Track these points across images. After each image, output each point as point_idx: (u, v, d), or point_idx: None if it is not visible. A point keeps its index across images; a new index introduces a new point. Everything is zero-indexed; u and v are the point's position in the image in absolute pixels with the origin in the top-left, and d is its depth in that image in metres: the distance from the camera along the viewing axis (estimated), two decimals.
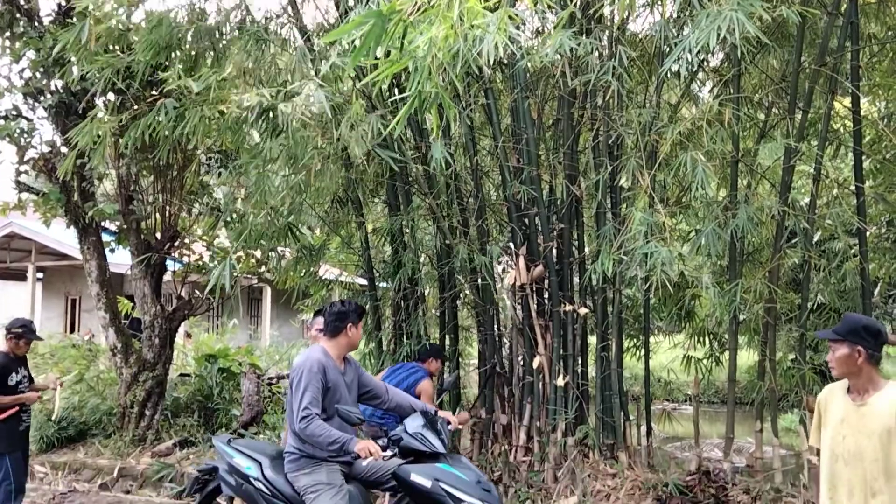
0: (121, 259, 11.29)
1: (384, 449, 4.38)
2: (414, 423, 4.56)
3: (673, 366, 8.54)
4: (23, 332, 6.48)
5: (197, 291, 10.36)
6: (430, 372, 6.86)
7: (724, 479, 6.69)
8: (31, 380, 6.64)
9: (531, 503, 6.76)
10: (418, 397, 6.86)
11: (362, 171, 7.91)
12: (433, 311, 8.54)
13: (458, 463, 4.44)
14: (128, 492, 8.11)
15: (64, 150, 8.97)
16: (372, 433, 6.71)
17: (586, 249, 7.76)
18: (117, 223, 9.73)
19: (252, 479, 4.65)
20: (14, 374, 6.38)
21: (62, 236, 17.76)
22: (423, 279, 8.20)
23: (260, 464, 4.70)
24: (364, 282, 9.21)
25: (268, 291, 21.97)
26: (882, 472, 3.53)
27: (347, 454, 4.43)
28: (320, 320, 5.54)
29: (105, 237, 9.94)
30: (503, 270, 8.26)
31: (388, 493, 5.10)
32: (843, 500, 3.64)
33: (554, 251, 7.51)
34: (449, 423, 4.69)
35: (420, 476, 4.29)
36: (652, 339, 8.44)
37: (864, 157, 7.31)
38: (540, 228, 7.45)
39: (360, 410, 4.59)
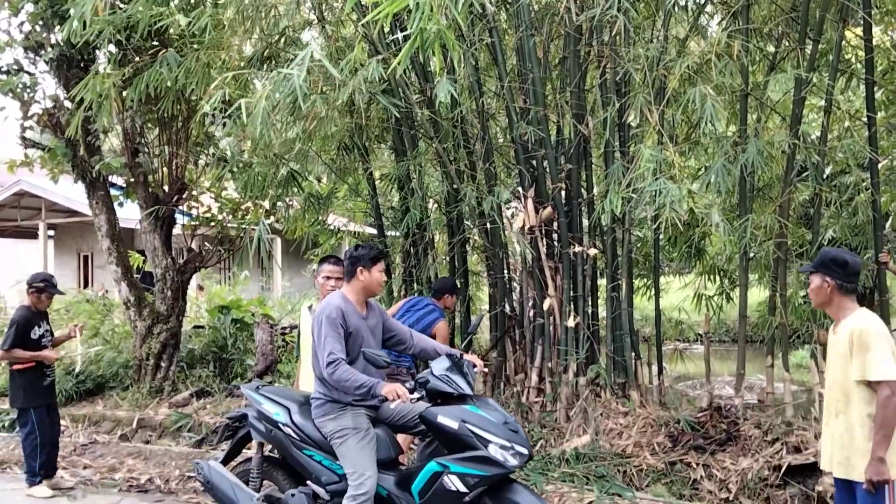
0: (130, 214, 11.30)
1: (411, 392, 4.32)
2: (440, 366, 4.49)
3: (684, 305, 8.56)
4: (45, 286, 6.58)
5: (207, 244, 10.39)
6: (445, 308, 6.92)
7: (736, 414, 6.72)
8: (52, 334, 6.75)
9: (544, 443, 6.82)
10: (434, 338, 6.93)
11: (367, 117, 7.83)
12: (443, 257, 8.54)
13: (485, 405, 4.36)
14: (147, 442, 8.24)
15: (67, 104, 8.91)
16: (389, 372, 6.80)
17: (595, 190, 7.70)
18: (125, 177, 9.72)
19: (281, 425, 4.64)
20: (37, 327, 6.50)
21: (71, 193, 17.79)
22: (431, 224, 8.18)
23: (288, 410, 4.69)
24: (373, 230, 9.21)
25: (278, 243, 22.04)
26: (842, 394, 3.85)
27: (374, 398, 4.40)
28: (326, 267, 5.56)
29: (113, 192, 9.94)
30: (512, 215, 8.23)
31: (417, 437, 5.15)
32: (828, 423, 4.01)
33: (562, 192, 7.46)
34: (475, 365, 4.63)
35: (447, 418, 4.21)
36: (662, 280, 8.45)
37: (875, 88, 7.19)
38: (548, 170, 7.39)
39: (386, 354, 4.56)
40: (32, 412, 6.42)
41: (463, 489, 4.08)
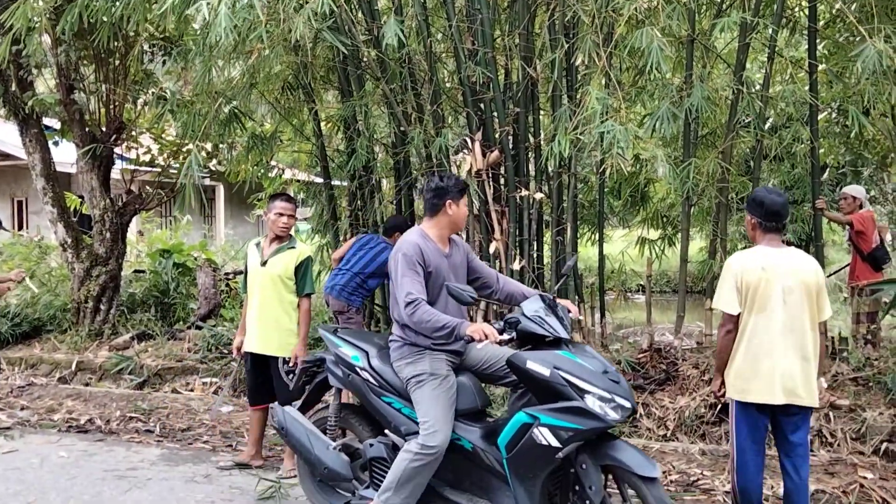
0: (67, 158, 10.95)
1: (500, 332, 3.87)
2: (532, 306, 4.01)
3: (627, 251, 8.68)
4: None
5: (148, 188, 10.14)
6: None
7: (675, 355, 6.89)
8: None
9: None
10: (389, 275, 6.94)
11: (313, 56, 7.66)
12: (389, 200, 8.48)
13: (582, 351, 3.89)
14: (87, 384, 8.11)
15: None
16: (338, 310, 6.79)
17: (542, 134, 7.70)
18: (59, 117, 9.38)
19: (359, 370, 4.32)
20: None
21: (3, 135, 17.13)
22: (378, 167, 8.10)
23: (367, 353, 4.36)
24: (319, 180, 9.09)
25: (221, 190, 21.65)
26: None
27: (458, 340, 3.98)
28: (278, 204, 5.44)
29: (48, 134, 9.59)
30: (458, 164, 8.18)
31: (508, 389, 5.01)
32: None
33: (510, 136, 7.45)
34: (569, 310, 4.15)
35: (537, 363, 3.74)
36: (606, 231, 8.52)
37: (818, 39, 7.29)
38: (496, 113, 7.35)
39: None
40: None
41: (555, 443, 3.65)
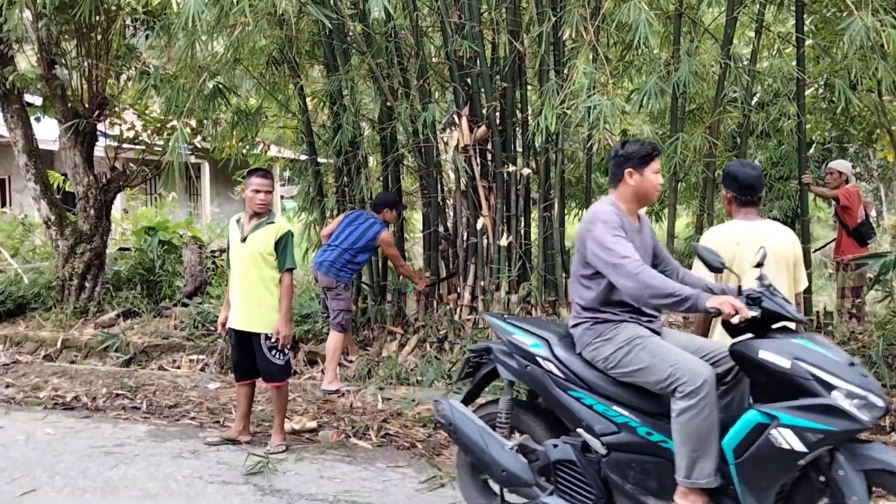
0: (49, 135, 10.83)
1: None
2: (759, 285, 3.48)
3: None
4: None
5: (132, 165, 10.04)
6: (385, 222, 6.95)
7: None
8: None
9: None
10: (377, 248, 6.94)
11: (297, 30, 7.57)
12: (376, 178, 8.44)
13: (817, 340, 3.36)
14: (72, 362, 8.05)
15: None
16: (326, 286, 6.79)
17: (529, 109, 7.66)
18: (41, 92, 9.26)
19: (540, 360, 3.75)
20: None
21: None
22: (364, 143, 8.04)
23: (548, 341, 3.79)
24: (305, 157, 9.02)
25: (206, 168, 21.49)
26: None
27: (696, 311, 3.38)
28: (255, 180, 5.36)
29: (30, 110, 9.47)
30: (446, 141, 8.14)
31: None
32: None
33: (497, 111, 7.42)
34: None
35: (774, 353, 3.23)
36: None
37: (805, 14, 7.27)
38: (483, 88, 7.31)
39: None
40: None
41: (799, 447, 3.12)
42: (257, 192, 5.32)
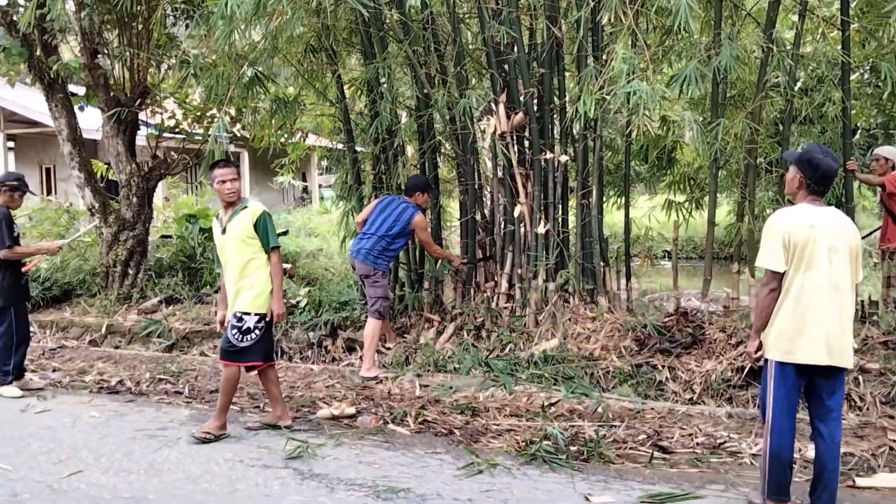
0: (92, 125, 11.01)
1: None
2: None
3: (654, 214, 8.58)
4: (18, 184, 6.54)
5: (172, 153, 10.18)
6: (418, 206, 6.94)
7: (701, 319, 6.84)
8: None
9: (513, 346, 6.91)
10: (412, 233, 6.92)
11: (335, 18, 7.59)
12: (413, 165, 8.45)
13: None
14: (116, 347, 8.23)
15: (22, 1, 8.56)
16: (364, 274, 6.82)
17: (567, 96, 7.60)
18: (84, 82, 9.42)
19: None
20: (14, 225, 6.45)
21: (31, 102, 17.25)
22: (401, 131, 8.05)
23: None
24: (342, 146, 9.07)
25: (245, 157, 21.70)
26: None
27: None
28: (218, 172, 5.39)
29: (74, 99, 9.64)
30: (482, 128, 8.11)
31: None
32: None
33: (534, 98, 7.37)
34: None
35: None
36: (631, 197, 8.40)
37: None
38: (520, 75, 7.27)
39: None
40: (12, 310, 6.45)
41: None
42: (223, 182, 5.34)
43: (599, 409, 5.65)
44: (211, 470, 4.77)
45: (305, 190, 26.42)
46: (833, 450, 3.94)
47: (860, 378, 5.75)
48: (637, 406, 5.80)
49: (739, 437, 5.18)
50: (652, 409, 5.76)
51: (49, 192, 20.98)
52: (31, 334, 7.51)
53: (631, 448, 5.11)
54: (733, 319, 6.73)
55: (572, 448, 5.06)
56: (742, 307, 7.06)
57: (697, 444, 5.14)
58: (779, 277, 3.90)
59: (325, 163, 24.64)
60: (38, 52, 8.72)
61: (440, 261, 7.79)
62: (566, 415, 5.69)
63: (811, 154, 4.01)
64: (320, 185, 27.34)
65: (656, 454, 4.96)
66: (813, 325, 3.81)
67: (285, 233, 13.33)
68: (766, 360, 4.01)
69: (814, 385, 3.94)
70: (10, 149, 20.96)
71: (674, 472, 4.73)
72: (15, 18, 8.58)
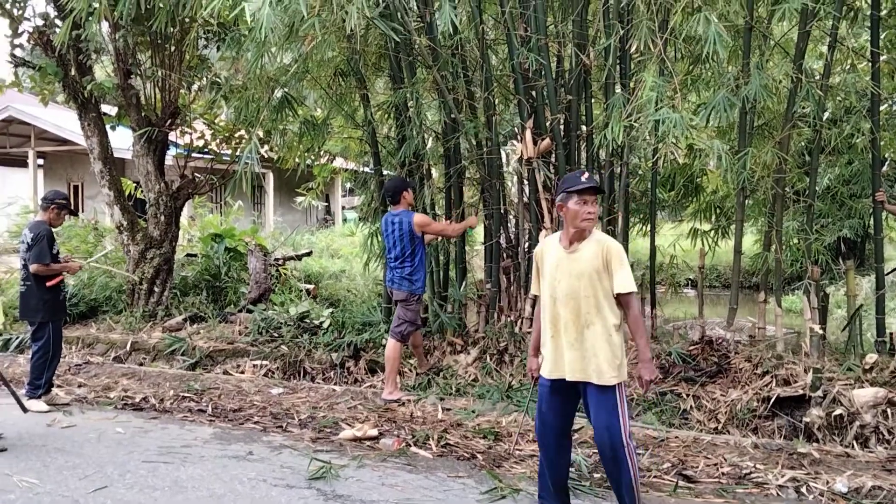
0: (122, 144, 11.17)
1: None
2: None
3: (679, 243, 8.55)
4: (66, 203, 6.73)
5: (198, 174, 10.30)
6: (410, 205, 6.91)
7: (727, 348, 6.79)
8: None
9: None
10: (423, 235, 6.86)
11: (365, 43, 7.69)
12: (439, 188, 8.49)
13: None
14: (141, 364, 8.29)
15: (58, 22, 8.74)
16: (400, 299, 6.81)
17: (594, 122, 7.63)
18: (117, 102, 9.58)
19: None
20: (55, 243, 6.61)
21: (61, 121, 17.56)
22: (428, 155, 8.10)
23: None
24: (367, 169, 9.14)
25: (270, 178, 21.89)
26: (593, 306, 4.03)
27: None
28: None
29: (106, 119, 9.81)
30: (507, 156, 8.16)
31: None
32: (562, 334, 4.11)
33: (561, 124, 7.40)
34: None
35: None
36: (656, 224, 8.39)
37: (881, 28, 7.09)
38: (547, 101, 7.31)
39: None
40: (51, 326, 6.54)
41: None
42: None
43: None
44: (235, 489, 4.78)
45: (328, 211, 26.56)
46: None
47: (888, 411, 5.67)
48: (661, 434, 5.76)
49: (766, 468, 5.11)
50: (676, 437, 5.71)
51: (77, 210, 21.25)
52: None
53: (655, 476, 5.06)
54: (759, 349, 6.67)
55: (596, 475, 5.03)
56: (768, 337, 7.01)
57: (723, 474, 5.08)
58: None
59: (348, 185, 24.80)
60: (72, 72, 8.89)
61: (464, 284, 7.80)
62: (589, 442, 5.64)
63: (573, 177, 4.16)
64: (343, 207, 27.50)
65: (681, 483, 4.91)
66: None
67: (309, 253, 13.42)
68: (618, 385, 4.05)
69: None
70: (39, 166, 21.30)
71: (699, 501, 4.68)
72: (51, 38, 8.75)
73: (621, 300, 4.04)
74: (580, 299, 4.05)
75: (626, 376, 4.07)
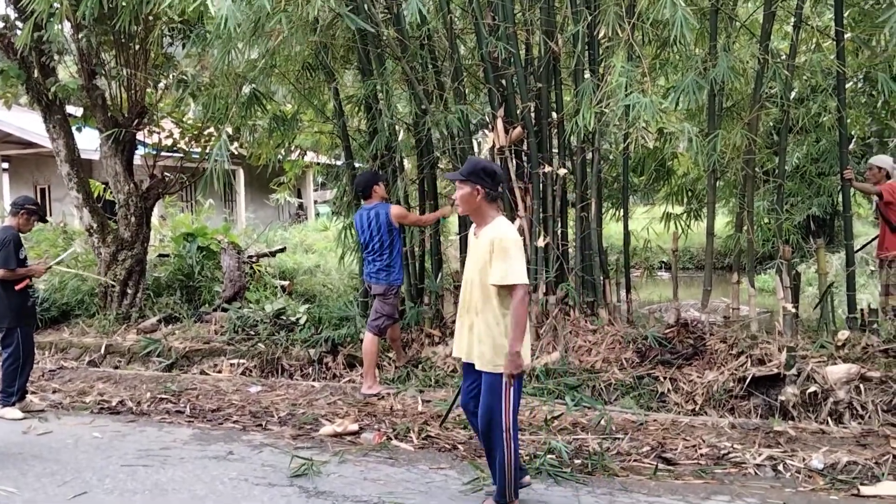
0: (89, 145, 11.00)
1: None
2: None
3: (652, 226, 8.60)
4: (36, 209, 6.65)
5: (168, 173, 10.18)
6: (383, 199, 6.93)
7: (702, 329, 6.85)
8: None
9: None
10: (401, 227, 6.91)
11: (332, 36, 7.63)
12: (412, 180, 8.46)
13: None
14: (116, 367, 8.20)
15: (19, 24, 8.59)
16: (379, 292, 6.81)
17: (565, 109, 7.64)
18: (82, 102, 9.43)
19: None
20: (22, 248, 6.49)
21: (26, 123, 17.26)
22: (400, 147, 8.07)
23: None
24: (339, 163, 9.09)
25: (241, 174, 21.70)
26: (480, 294, 4.11)
27: None
28: None
29: (71, 120, 9.65)
30: (479, 145, 8.16)
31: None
32: (463, 316, 4.30)
33: (532, 112, 7.41)
34: None
35: None
36: (629, 208, 8.44)
37: (844, 6, 7.16)
38: (517, 89, 7.30)
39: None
40: (19, 331, 6.44)
41: None
42: None
43: (602, 422, 5.65)
44: (216, 489, 4.75)
45: (301, 206, 26.43)
46: None
47: (861, 387, 5.75)
48: (640, 418, 5.80)
49: (743, 447, 5.17)
50: (655, 420, 5.76)
51: (46, 214, 20.93)
52: None
53: (635, 460, 5.10)
54: (734, 330, 6.75)
55: (577, 461, 5.06)
56: (742, 317, 7.09)
57: (701, 455, 5.13)
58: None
59: (320, 179, 24.64)
60: (35, 74, 8.74)
61: (440, 275, 7.80)
62: (569, 428, 5.68)
63: (483, 164, 4.21)
64: (316, 202, 27.35)
65: (661, 466, 4.96)
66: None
67: (283, 249, 13.33)
68: (500, 375, 4.07)
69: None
70: (4, 170, 20.95)
71: (679, 483, 4.72)
72: (12, 40, 8.58)
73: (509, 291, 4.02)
74: (472, 286, 4.17)
75: (517, 366, 4.02)
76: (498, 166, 4.15)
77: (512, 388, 4.06)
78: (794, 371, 5.95)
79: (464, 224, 7.87)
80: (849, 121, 8.56)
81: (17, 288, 6.41)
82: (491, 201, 4.16)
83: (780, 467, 4.87)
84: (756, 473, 4.84)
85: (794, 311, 6.79)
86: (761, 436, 5.34)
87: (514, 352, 3.99)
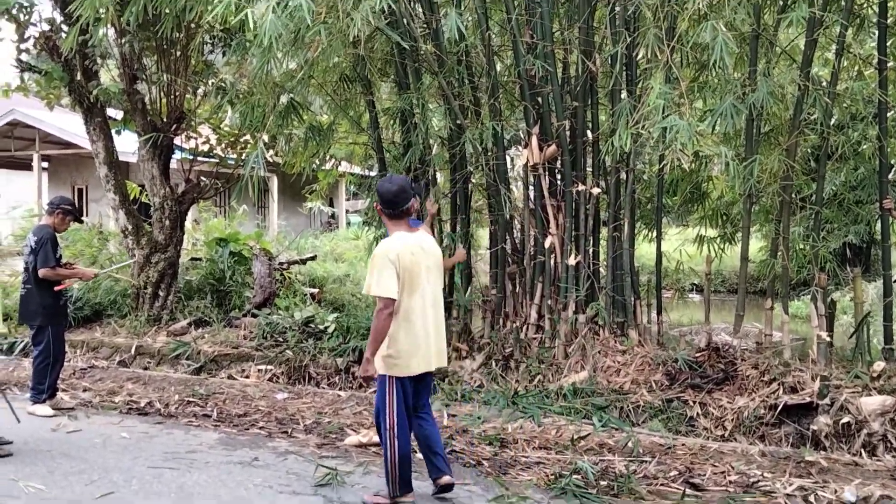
0: (127, 147, 11.17)
1: None
2: None
3: (684, 248, 8.53)
4: (72, 209, 6.73)
5: (203, 178, 10.30)
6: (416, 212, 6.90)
7: (734, 354, 6.77)
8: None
9: (542, 377, 6.88)
10: None
11: (370, 49, 7.69)
12: (444, 194, 8.48)
13: None
14: (146, 368, 8.29)
15: (65, 27, 8.75)
16: None
17: (600, 129, 7.63)
18: (122, 106, 9.59)
19: None
20: (59, 247, 6.60)
21: (66, 124, 17.58)
22: (433, 161, 8.10)
23: None
24: (372, 173, 9.14)
25: (275, 181, 21.89)
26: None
27: None
28: None
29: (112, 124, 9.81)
30: (512, 161, 8.15)
31: None
32: None
33: (567, 130, 7.40)
34: None
35: None
36: (662, 229, 8.39)
37: (887, 35, 7.08)
38: (553, 107, 7.31)
39: None
40: (50, 330, 6.51)
41: None
42: None
43: (630, 444, 5.60)
44: (241, 495, 4.77)
45: (333, 215, 26.59)
46: (434, 425, 4.76)
47: None
48: (668, 442, 5.74)
49: (773, 476, 5.10)
50: (683, 445, 5.70)
51: (81, 213, 21.25)
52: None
53: (662, 484, 5.05)
54: (766, 356, 6.66)
55: (602, 483, 5.01)
56: (775, 343, 6.99)
57: (730, 482, 5.07)
58: (393, 303, 4.37)
59: (352, 188, 24.75)
60: (78, 77, 8.90)
61: (470, 289, 7.81)
62: (596, 449, 5.64)
63: (378, 184, 4.64)
64: (347, 211, 27.51)
65: (688, 491, 4.90)
66: (423, 341, 4.48)
67: (313, 257, 13.41)
68: (382, 377, 4.49)
69: (416, 388, 4.57)
70: (43, 169, 21.32)
71: None
72: (57, 43, 8.75)
73: None
74: None
75: (364, 370, 4.48)
76: (396, 187, 4.47)
77: (394, 390, 4.43)
78: (827, 400, 5.86)
79: (494, 240, 7.88)
80: (889, 150, 8.46)
81: (56, 289, 6.49)
82: (390, 218, 4.53)
83: (812, 498, 4.78)
84: (786, 503, 4.77)
85: (828, 339, 6.68)
86: (792, 465, 5.26)
87: (366, 357, 4.45)
